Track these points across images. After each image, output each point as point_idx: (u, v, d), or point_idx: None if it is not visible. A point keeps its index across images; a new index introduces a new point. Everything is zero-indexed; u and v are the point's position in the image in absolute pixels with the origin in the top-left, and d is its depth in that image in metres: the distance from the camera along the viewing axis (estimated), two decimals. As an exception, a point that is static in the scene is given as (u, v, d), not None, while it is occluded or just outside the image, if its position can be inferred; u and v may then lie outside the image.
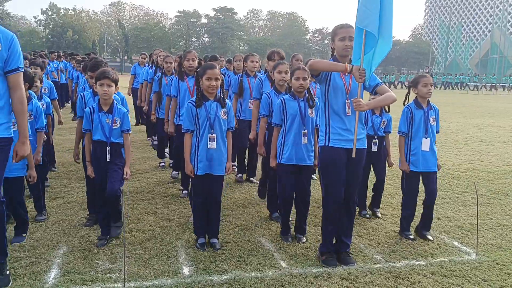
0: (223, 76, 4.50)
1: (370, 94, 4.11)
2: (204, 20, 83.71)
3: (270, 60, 5.71)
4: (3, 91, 3.23)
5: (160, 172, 7.14)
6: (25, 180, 4.39)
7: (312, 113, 4.39)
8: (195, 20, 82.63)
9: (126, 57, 77.60)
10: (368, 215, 5.20)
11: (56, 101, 7.05)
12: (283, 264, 3.92)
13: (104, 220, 4.26)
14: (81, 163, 4.77)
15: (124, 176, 4.26)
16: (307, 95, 4.43)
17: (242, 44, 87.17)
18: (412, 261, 4.06)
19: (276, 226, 4.82)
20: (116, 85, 4.21)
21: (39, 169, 4.59)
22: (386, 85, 4.36)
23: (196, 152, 4.14)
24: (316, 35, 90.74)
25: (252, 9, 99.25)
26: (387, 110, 5.23)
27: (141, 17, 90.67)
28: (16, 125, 3.33)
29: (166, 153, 7.75)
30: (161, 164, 7.53)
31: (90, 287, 3.40)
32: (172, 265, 3.82)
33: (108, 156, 4.19)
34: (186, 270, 3.73)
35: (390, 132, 5.32)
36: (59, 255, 3.94)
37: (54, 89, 7.03)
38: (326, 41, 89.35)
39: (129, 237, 4.38)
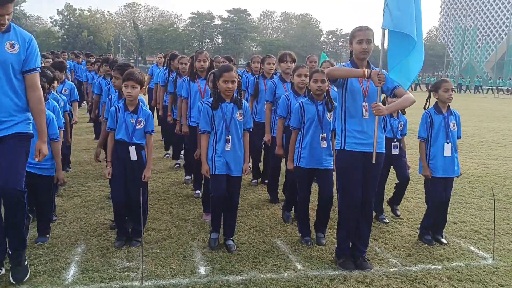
0: (240, 77, 4.52)
1: (387, 97, 4.10)
2: (217, 22, 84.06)
3: (281, 62, 5.71)
4: (21, 91, 3.31)
5: (174, 173, 7.20)
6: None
7: (331, 116, 4.39)
8: (208, 21, 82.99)
9: (140, 58, 78.25)
10: (386, 220, 5.16)
11: (76, 103, 7.14)
12: (299, 266, 3.93)
13: (121, 221, 4.29)
14: (99, 162, 4.86)
15: (143, 179, 4.28)
16: (326, 98, 4.44)
17: (255, 46, 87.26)
18: (428, 265, 4.04)
19: (291, 228, 4.84)
20: (141, 86, 4.23)
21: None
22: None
23: (214, 152, 4.17)
24: (330, 36, 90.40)
25: (266, 10, 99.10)
26: (403, 112, 5.22)
27: (155, 18, 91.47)
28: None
29: (181, 155, 7.81)
30: (176, 166, 7.59)
31: (108, 285, 3.45)
32: (188, 265, 3.85)
33: (133, 155, 4.18)
34: (202, 270, 3.77)
35: (405, 134, 5.32)
36: (77, 253, 4.01)
37: (76, 90, 7.11)
38: (340, 43, 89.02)
39: (146, 236, 4.42)
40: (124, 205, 4.26)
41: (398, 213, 5.25)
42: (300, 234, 4.55)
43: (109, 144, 4.31)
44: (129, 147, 4.20)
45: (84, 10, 75.16)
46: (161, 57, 11.94)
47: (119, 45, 78.31)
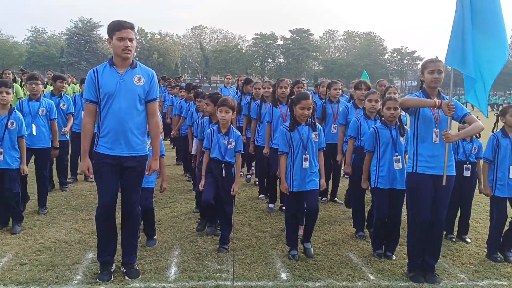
0: (315, 103, 5.02)
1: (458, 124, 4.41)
2: (280, 42, 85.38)
3: (357, 90, 6.11)
4: (143, 117, 4.01)
5: (249, 188, 7.79)
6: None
7: (404, 140, 4.78)
8: (271, 41, 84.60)
9: (205, 78, 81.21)
10: (454, 239, 5.39)
11: None
12: (371, 277, 4.31)
13: (206, 214, 5.00)
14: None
15: (232, 192, 4.89)
16: (398, 123, 4.83)
17: (317, 65, 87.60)
18: (495, 281, 4.28)
19: (362, 243, 5.21)
20: (233, 111, 4.88)
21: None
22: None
23: (292, 171, 4.68)
24: (395, 54, 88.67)
25: (328, 29, 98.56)
26: (478, 136, 5.42)
27: (220, 40, 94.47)
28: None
29: (252, 167, 8.44)
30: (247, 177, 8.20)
31: (205, 283, 4.03)
32: (271, 270, 4.36)
33: (223, 173, 4.85)
34: (283, 276, 4.26)
35: (481, 158, 5.47)
36: (175, 256, 4.64)
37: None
38: (405, 61, 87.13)
39: (231, 244, 4.99)
40: (211, 206, 4.88)
41: (468, 240, 5.39)
42: (373, 248, 4.92)
43: (204, 161, 4.98)
44: (221, 165, 4.85)
45: (155, 34, 79.61)
46: (229, 79, 12.68)
47: (185, 66, 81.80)
